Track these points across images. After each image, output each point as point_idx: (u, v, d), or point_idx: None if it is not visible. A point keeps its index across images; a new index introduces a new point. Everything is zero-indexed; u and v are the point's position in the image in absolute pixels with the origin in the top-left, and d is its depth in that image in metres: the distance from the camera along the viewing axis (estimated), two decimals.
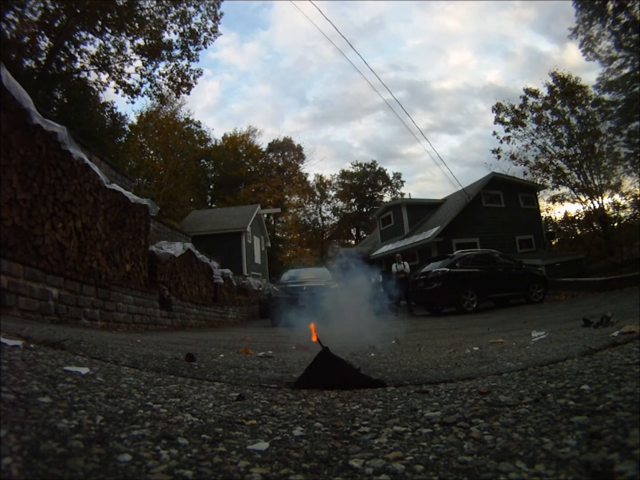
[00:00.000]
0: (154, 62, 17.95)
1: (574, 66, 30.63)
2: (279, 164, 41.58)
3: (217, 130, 75.62)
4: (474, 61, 57.22)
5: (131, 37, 17.09)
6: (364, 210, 44.21)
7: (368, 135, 67.03)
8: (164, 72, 18.31)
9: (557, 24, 39.86)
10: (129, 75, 17.99)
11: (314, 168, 64.08)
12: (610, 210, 23.37)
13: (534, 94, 23.91)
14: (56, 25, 15.05)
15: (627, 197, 23.21)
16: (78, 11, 14.74)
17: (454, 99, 55.48)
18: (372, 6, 53.93)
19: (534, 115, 23.96)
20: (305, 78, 68.41)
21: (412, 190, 74.52)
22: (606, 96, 20.90)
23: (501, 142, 25.01)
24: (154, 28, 17.30)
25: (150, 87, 18.52)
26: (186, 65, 18.35)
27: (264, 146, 41.03)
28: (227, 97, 68.21)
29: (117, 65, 17.53)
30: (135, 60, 17.74)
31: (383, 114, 60.70)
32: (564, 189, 24.12)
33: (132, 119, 27.11)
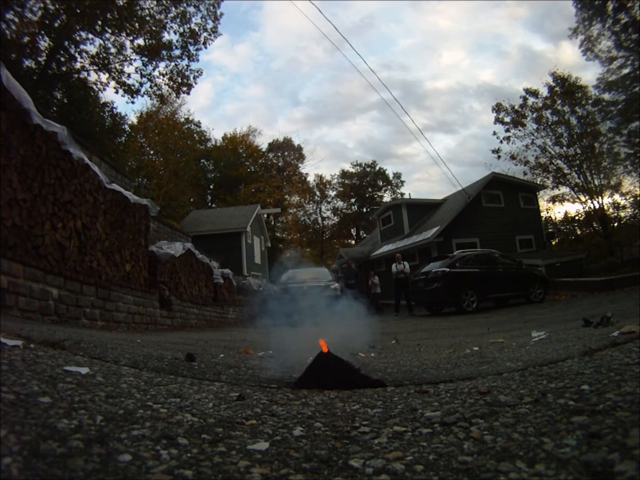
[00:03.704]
0: (154, 62, 17.94)
1: (569, 65, 30.48)
2: (279, 164, 41.58)
3: (212, 131, 75.80)
4: (467, 60, 56.81)
5: (131, 37, 17.09)
6: (364, 210, 44.19)
7: (363, 135, 67.02)
8: (164, 72, 18.30)
9: (552, 22, 39.48)
10: (129, 75, 17.99)
11: (312, 168, 64.36)
12: (610, 210, 23.35)
13: (534, 94, 23.90)
14: (56, 25, 15.04)
15: (627, 197, 23.19)
16: (78, 11, 14.73)
17: (448, 98, 55.14)
18: (363, 6, 53.67)
19: (534, 115, 23.95)
20: (297, 79, 68.62)
21: (409, 190, 74.43)
22: (606, 96, 20.88)
23: (501, 142, 25.01)
24: (154, 28, 17.30)
25: (150, 87, 18.52)
26: (186, 65, 18.36)
27: (263, 146, 41.07)
28: (220, 98, 68.45)
29: (117, 65, 17.53)
30: (135, 60, 17.75)
31: (377, 114, 60.56)
32: (564, 189, 24.11)
33: (132, 119, 27.11)
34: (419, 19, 54.77)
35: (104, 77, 18.09)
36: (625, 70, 18.63)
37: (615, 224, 22.75)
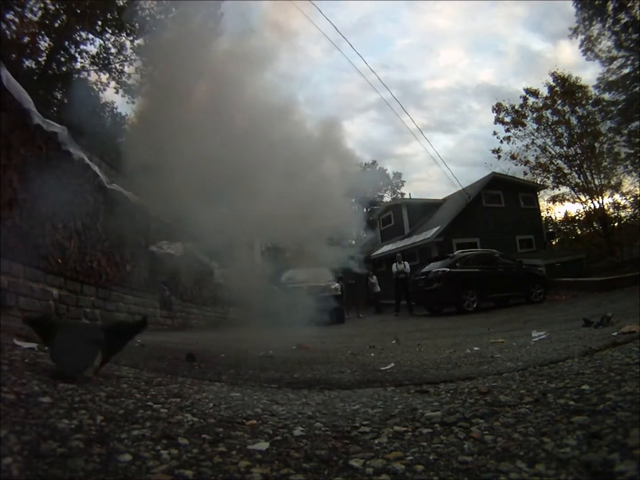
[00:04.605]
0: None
1: (568, 64, 30.27)
2: None
3: None
4: (465, 60, 56.49)
5: (131, 37, 17.07)
6: (364, 210, 44.12)
7: (361, 136, 66.99)
8: None
9: (550, 22, 39.09)
10: (129, 76, 17.97)
11: None
12: (610, 210, 23.31)
13: (534, 93, 23.88)
14: (56, 25, 15.04)
15: (627, 197, 23.12)
16: (78, 11, 14.74)
17: (446, 98, 54.77)
18: (359, 6, 53.41)
19: (534, 115, 23.93)
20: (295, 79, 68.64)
21: (408, 190, 74.35)
22: (606, 96, 20.84)
23: (501, 142, 24.93)
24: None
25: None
26: None
27: None
28: None
29: (117, 65, 17.51)
30: (135, 60, 17.72)
31: (375, 114, 60.31)
32: (564, 189, 24.07)
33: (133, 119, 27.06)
34: (416, 19, 54.54)
35: (104, 77, 18.05)
36: (625, 70, 18.59)
37: (616, 224, 22.72)
